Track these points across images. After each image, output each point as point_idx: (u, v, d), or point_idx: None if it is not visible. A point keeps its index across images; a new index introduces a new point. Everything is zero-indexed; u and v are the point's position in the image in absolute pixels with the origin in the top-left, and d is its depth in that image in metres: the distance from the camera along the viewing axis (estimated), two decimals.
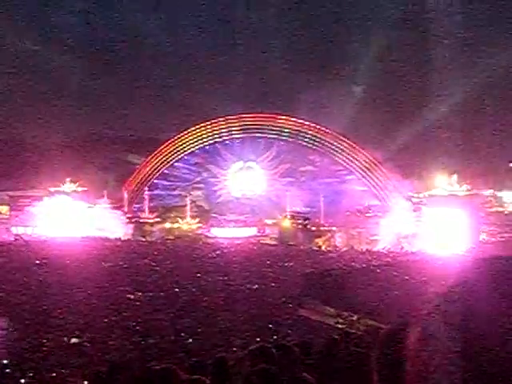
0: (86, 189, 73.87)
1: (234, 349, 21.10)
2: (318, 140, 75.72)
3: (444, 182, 66.32)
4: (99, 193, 74.48)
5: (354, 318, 30.64)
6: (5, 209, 79.39)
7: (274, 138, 77.18)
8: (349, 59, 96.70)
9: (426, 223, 65.16)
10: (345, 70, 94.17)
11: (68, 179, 74.00)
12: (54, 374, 20.36)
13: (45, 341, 24.39)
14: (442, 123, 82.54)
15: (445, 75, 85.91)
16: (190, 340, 24.85)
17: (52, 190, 73.90)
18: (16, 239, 62.06)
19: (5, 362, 20.62)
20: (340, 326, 29.41)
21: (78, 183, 74.10)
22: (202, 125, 78.07)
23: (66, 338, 25.07)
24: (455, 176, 65.93)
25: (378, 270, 42.53)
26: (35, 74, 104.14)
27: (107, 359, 21.15)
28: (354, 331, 21.93)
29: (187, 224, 72.80)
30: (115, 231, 68.91)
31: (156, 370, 6.97)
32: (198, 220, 73.33)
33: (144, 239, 68.19)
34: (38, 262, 44.90)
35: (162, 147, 78.92)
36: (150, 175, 78.83)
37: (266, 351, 6.61)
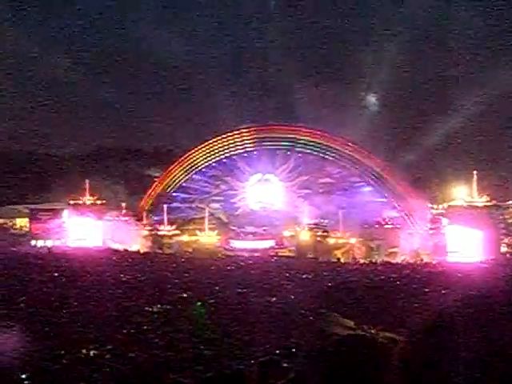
0: (104, 201, 74.11)
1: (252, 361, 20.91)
2: (335, 150, 75.33)
3: (463, 193, 65.71)
4: (118, 205, 74.69)
5: (373, 330, 30.39)
6: (24, 221, 79.90)
7: (289, 150, 76.84)
8: (365, 69, 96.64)
9: (446, 234, 64.64)
10: (361, 81, 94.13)
11: (87, 192, 74.29)
12: None
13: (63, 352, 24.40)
14: (460, 135, 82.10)
15: (465, 84, 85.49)
16: (207, 352, 24.73)
17: (71, 202, 74.22)
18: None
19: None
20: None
21: (96, 196, 74.34)
22: (219, 137, 78.05)
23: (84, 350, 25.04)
24: (475, 187, 65.27)
25: (398, 283, 42.21)
26: (55, 90, 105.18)
27: (125, 372, 21.12)
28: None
29: (206, 236, 72.66)
30: (134, 243, 69.13)
31: None
32: (216, 232, 73.16)
33: (162, 251, 68.22)
34: (57, 274, 45.12)
35: (181, 160, 79.00)
36: (168, 188, 78.92)
37: (275, 363, 6.52)
